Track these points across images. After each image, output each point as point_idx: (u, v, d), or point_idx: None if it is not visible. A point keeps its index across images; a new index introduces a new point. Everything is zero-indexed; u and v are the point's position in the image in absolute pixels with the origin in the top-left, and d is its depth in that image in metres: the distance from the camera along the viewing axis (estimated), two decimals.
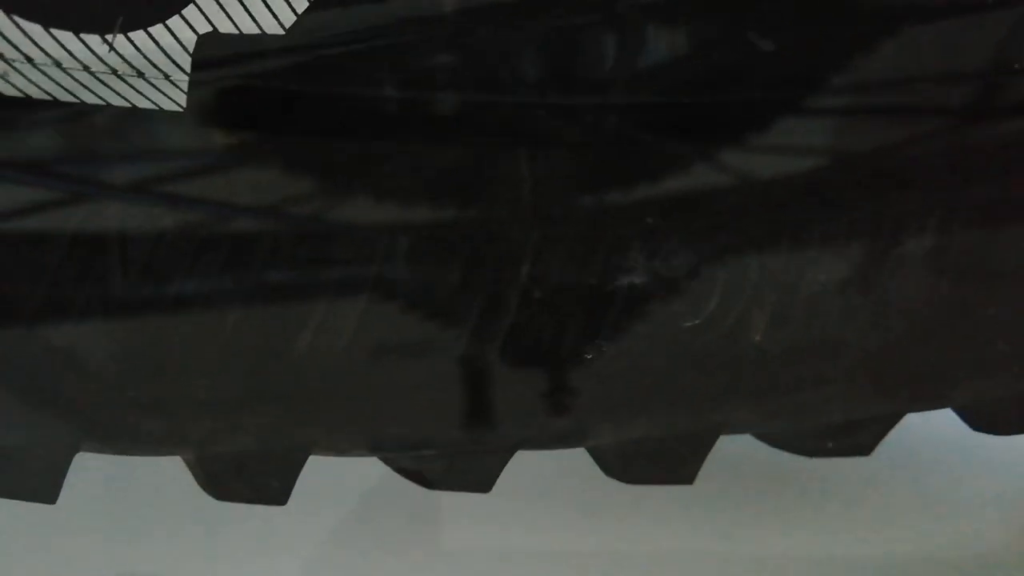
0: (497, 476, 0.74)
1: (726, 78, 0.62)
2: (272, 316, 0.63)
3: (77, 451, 0.68)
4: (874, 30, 0.62)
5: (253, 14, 0.56)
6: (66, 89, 0.58)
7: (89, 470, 0.76)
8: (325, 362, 0.64)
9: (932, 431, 0.87)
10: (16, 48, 0.55)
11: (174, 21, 0.56)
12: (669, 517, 0.87)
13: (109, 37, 0.56)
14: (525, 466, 0.76)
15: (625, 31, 0.60)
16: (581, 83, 0.61)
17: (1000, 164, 0.67)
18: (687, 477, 0.74)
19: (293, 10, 0.57)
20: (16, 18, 0.54)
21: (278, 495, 0.70)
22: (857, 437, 0.76)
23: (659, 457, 0.73)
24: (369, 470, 0.78)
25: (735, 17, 0.60)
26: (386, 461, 0.75)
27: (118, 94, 0.58)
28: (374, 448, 0.70)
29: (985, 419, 0.77)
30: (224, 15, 0.56)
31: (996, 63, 0.65)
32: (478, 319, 0.64)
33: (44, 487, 0.66)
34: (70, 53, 0.56)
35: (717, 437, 0.72)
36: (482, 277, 0.64)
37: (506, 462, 0.74)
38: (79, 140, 0.60)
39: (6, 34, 0.55)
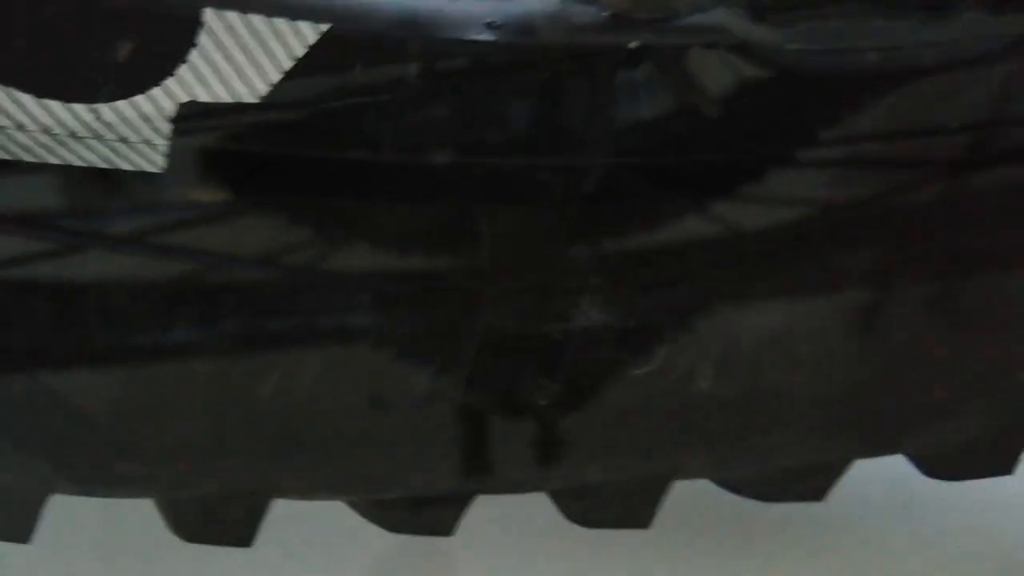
0: (458, 520, 0.77)
1: (674, 142, 0.66)
2: (238, 365, 0.66)
3: (51, 493, 0.71)
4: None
5: (230, 85, 0.60)
6: (54, 154, 0.62)
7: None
8: (288, 410, 0.67)
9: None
10: (8, 116, 0.59)
11: (156, 91, 0.60)
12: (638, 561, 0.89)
13: (95, 106, 0.60)
14: (489, 510, 0.79)
15: (575, 98, 0.65)
16: (538, 145, 0.65)
17: (939, 218, 0.71)
18: (643, 521, 0.77)
19: (267, 81, 0.61)
20: (9, 88, 0.58)
21: (244, 538, 0.73)
22: (809, 483, 0.79)
23: (615, 502, 0.76)
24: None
25: (685, 87, 0.64)
26: (350, 504, 0.77)
27: (103, 159, 0.62)
28: (336, 493, 0.73)
29: (936, 465, 0.80)
30: (202, 86, 0.60)
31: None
32: (436, 369, 0.67)
33: (17, 527, 0.69)
34: (58, 120, 0.60)
35: (670, 482, 0.75)
36: (440, 329, 0.67)
37: (466, 507, 0.76)
38: (65, 198, 0.64)
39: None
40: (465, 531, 0.77)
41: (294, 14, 0.60)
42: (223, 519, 0.71)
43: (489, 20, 0.63)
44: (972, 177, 0.70)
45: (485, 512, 0.77)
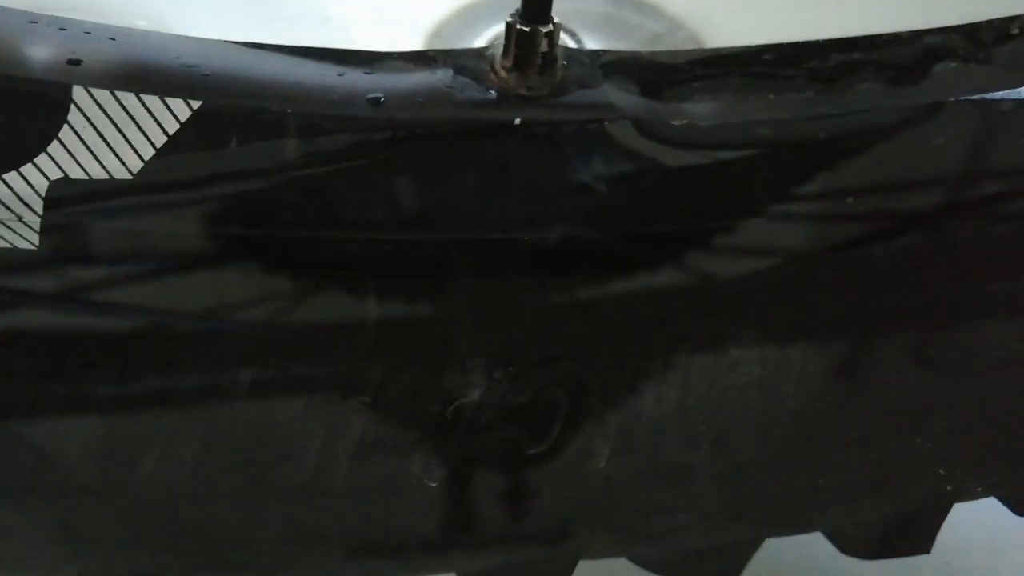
0: None
1: (563, 217, 0.65)
2: (118, 440, 0.64)
3: None
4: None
5: (102, 161, 0.60)
6: None
7: None
8: (169, 488, 0.65)
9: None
10: None
11: (27, 168, 0.60)
12: None
13: None
14: None
15: (460, 173, 0.64)
16: (423, 219, 0.64)
17: (828, 292, 0.69)
18: None
19: (140, 156, 0.60)
20: None
21: None
22: (722, 561, 0.77)
23: None
24: None
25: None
26: None
27: None
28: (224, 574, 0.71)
29: (852, 544, 0.78)
30: (74, 162, 0.60)
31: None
32: (322, 445, 0.66)
33: None
34: None
35: (576, 562, 0.73)
36: (327, 403, 0.65)
37: None
38: None
39: None
40: None
41: (167, 91, 0.60)
42: None
43: (372, 96, 0.63)
44: (871, 248, 0.69)
45: None
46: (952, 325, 0.72)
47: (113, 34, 0.63)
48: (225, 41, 0.66)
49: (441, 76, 0.64)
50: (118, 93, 0.59)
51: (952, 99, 0.67)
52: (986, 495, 0.76)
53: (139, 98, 0.59)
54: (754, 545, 0.77)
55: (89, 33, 0.63)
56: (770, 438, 0.69)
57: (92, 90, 0.59)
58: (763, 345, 0.68)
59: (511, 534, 0.69)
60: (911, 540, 0.77)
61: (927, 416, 0.72)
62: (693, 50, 0.69)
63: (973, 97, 0.67)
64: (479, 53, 0.66)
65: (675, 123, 0.64)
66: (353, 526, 0.67)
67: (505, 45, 0.64)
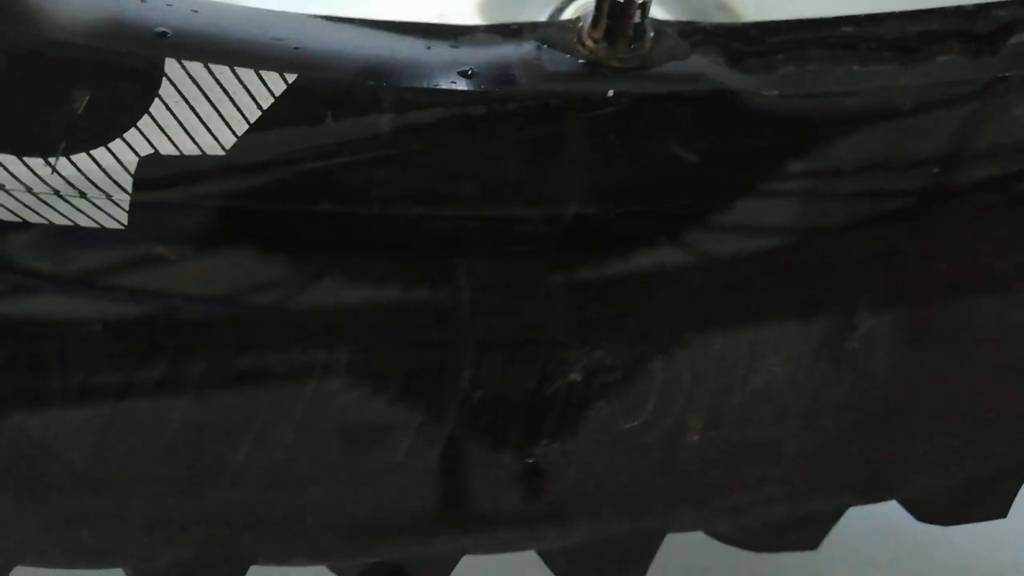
0: None
1: (651, 188, 0.65)
2: (210, 425, 0.63)
3: (16, 564, 0.68)
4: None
5: (194, 137, 0.59)
6: (9, 210, 0.59)
7: None
8: (264, 472, 0.64)
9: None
10: None
11: (116, 144, 0.58)
12: None
13: (52, 160, 0.58)
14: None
15: (556, 145, 0.63)
16: (515, 195, 0.63)
17: (914, 256, 0.69)
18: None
19: (233, 132, 0.59)
20: None
21: None
22: (802, 532, 0.77)
23: (606, 559, 0.74)
24: None
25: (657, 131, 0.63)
26: (331, 569, 0.75)
27: (61, 214, 0.59)
28: (315, 558, 0.70)
29: (930, 511, 0.79)
30: (166, 138, 0.58)
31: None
32: (419, 427, 0.65)
33: None
34: (13, 175, 0.58)
35: (662, 537, 0.73)
36: (422, 385, 0.65)
37: (453, 567, 0.74)
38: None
39: None
40: None
41: (260, 64, 0.59)
42: None
43: (463, 68, 0.62)
44: (946, 216, 0.69)
45: None
46: None
47: (194, 6, 0.62)
48: (304, 14, 0.64)
49: (528, 48, 0.63)
50: (211, 67, 0.58)
51: None
52: None
53: (233, 72, 0.58)
54: (837, 515, 0.77)
55: (171, 5, 0.61)
56: (858, 410, 0.69)
57: (184, 63, 0.58)
58: (852, 317, 0.68)
59: (601, 509, 0.69)
60: (988, 505, 0.78)
61: (1013, 383, 0.72)
62: (774, 21, 0.69)
63: None
64: (565, 25, 0.65)
65: (765, 93, 0.64)
66: (448, 505, 0.66)
67: (595, 16, 0.63)
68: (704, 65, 0.64)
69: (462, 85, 0.61)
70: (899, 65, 0.67)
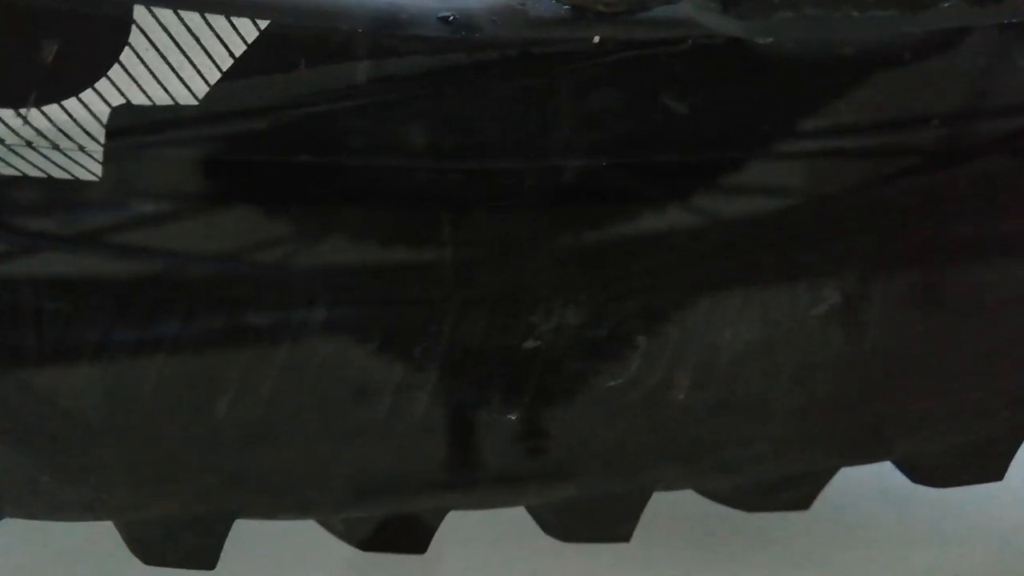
0: (431, 537, 0.74)
1: (639, 141, 0.63)
2: (191, 380, 0.63)
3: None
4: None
5: (166, 86, 0.57)
6: None
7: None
8: (245, 426, 0.64)
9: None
10: None
11: (87, 94, 0.57)
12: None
13: (23, 111, 0.57)
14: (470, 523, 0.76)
15: (541, 98, 0.61)
16: (500, 148, 0.62)
17: (920, 212, 0.67)
18: (624, 535, 0.74)
19: (205, 81, 0.58)
20: None
21: (206, 559, 0.70)
22: (793, 492, 0.76)
23: (594, 516, 0.73)
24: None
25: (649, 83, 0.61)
26: (319, 522, 0.74)
27: (34, 165, 0.59)
28: (302, 511, 0.70)
29: (924, 472, 0.77)
30: (137, 87, 0.57)
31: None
32: (400, 382, 0.64)
33: None
34: None
35: (650, 495, 0.72)
36: (403, 340, 0.64)
37: (439, 523, 0.73)
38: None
39: None
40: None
41: (231, 10, 0.57)
42: (184, 541, 0.68)
43: (442, 15, 0.60)
44: (952, 169, 0.66)
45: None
46: None
47: None
48: None
49: None
50: (182, 13, 0.56)
51: None
52: None
53: (204, 18, 0.57)
54: (828, 475, 0.76)
55: None
56: (848, 370, 0.68)
57: (154, 10, 0.56)
58: (843, 277, 0.66)
59: (586, 466, 0.68)
60: (983, 468, 0.76)
61: (1003, 347, 0.70)
62: None
63: None
64: None
65: (760, 41, 0.62)
66: (429, 462, 0.66)
67: None
68: (695, 10, 0.62)
69: (440, 32, 0.59)
70: (899, 12, 0.65)
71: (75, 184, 0.59)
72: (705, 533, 0.87)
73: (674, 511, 0.81)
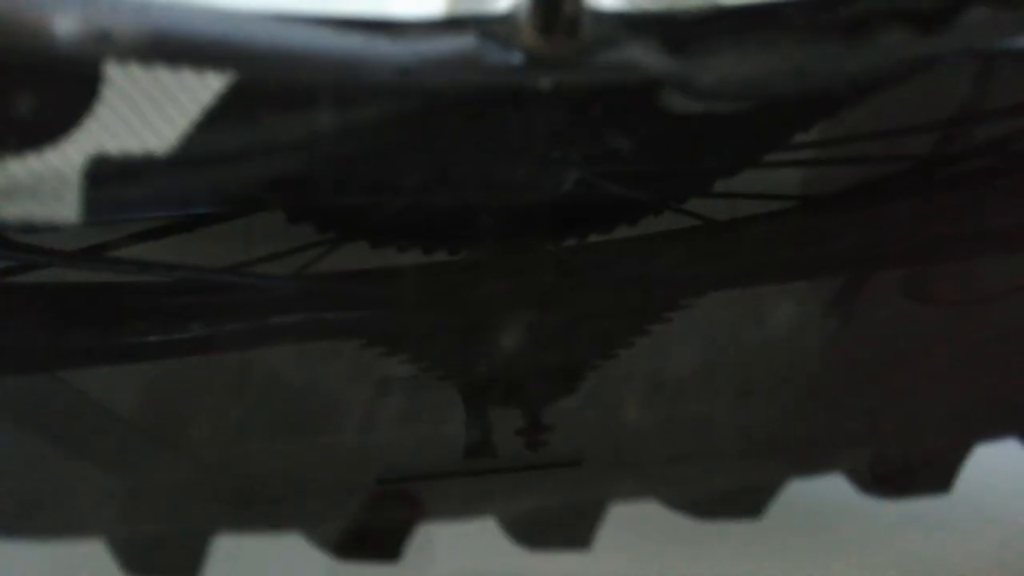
0: (405, 544, 0.78)
1: (592, 180, 0.66)
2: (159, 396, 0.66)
3: None
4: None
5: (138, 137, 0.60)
6: None
7: None
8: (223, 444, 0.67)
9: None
10: None
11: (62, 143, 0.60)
12: None
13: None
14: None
15: (489, 139, 0.64)
16: (449, 187, 0.65)
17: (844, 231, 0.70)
18: (584, 542, 0.78)
19: (174, 131, 0.61)
20: None
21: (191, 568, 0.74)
22: (744, 502, 0.80)
23: (553, 526, 0.77)
24: None
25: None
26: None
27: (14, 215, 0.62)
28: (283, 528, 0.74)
29: (871, 484, 0.80)
30: (110, 137, 0.60)
31: None
32: (366, 408, 0.68)
33: None
34: None
35: (606, 506, 0.76)
36: (366, 368, 0.67)
37: (409, 533, 0.77)
38: None
39: None
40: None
41: (200, 63, 0.60)
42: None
43: (400, 64, 0.63)
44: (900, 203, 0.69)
45: None
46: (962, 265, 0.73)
47: (137, 7, 0.63)
48: (249, 12, 0.65)
49: (468, 41, 0.64)
50: (150, 67, 0.59)
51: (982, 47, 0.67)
52: (1008, 436, 0.78)
53: (173, 72, 0.60)
54: (778, 486, 0.80)
55: (113, 6, 0.63)
56: (795, 385, 0.71)
57: (123, 66, 0.59)
58: (788, 292, 0.69)
59: (542, 483, 0.72)
60: (932, 479, 0.80)
61: (953, 359, 0.73)
62: (715, 6, 0.69)
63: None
64: (505, 16, 0.65)
65: (704, 79, 0.65)
66: (389, 477, 0.70)
67: (532, 5, 0.64)
68: (641, 54, 0.64)
69: (398, 81, 0.62)
70: (841, 45, 0.67)
71: None
72: (705, 533, 0.88)
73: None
